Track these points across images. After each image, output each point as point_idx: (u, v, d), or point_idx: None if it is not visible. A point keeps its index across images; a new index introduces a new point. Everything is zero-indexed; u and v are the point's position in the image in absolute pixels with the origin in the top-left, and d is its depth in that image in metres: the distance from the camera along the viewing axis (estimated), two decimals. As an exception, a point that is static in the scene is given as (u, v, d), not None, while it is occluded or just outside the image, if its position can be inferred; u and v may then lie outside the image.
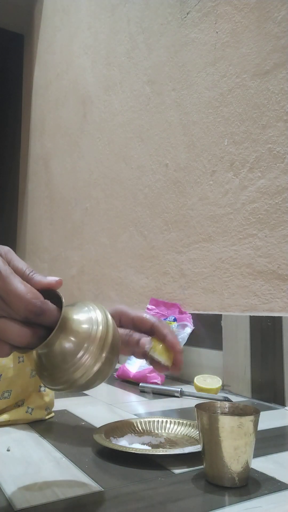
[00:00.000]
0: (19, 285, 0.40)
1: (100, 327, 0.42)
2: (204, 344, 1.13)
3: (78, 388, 0.42)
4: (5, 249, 0.44)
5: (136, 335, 0.62)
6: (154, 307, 1.26)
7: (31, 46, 2.64)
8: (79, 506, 0.43)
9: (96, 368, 0.41)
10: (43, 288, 0.41)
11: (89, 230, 1.80)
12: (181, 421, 0.68)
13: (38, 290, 0.41)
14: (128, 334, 0.62)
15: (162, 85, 1.38)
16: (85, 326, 0.42)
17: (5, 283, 0.39)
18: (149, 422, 0.68)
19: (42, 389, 0.74)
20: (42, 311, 0.40)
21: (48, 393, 0.75)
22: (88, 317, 0.43)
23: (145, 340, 0.61)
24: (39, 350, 0.42)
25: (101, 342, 0.41)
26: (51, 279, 0.42)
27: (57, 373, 0.41)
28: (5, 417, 0.69)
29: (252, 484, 0.48)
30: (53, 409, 0.77)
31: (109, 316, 0.44)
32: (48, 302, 0.40)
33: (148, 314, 0.63)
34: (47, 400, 0.74)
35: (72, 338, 0.41)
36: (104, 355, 0.41)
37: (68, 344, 0.41)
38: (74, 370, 0.41)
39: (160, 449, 0.58)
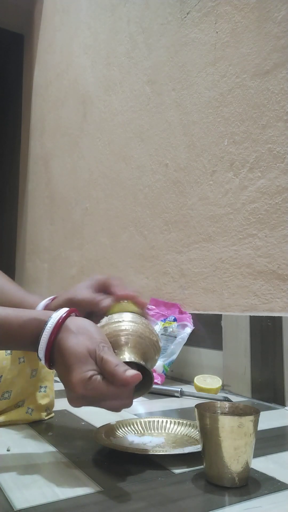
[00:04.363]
0: (108, 388, 0.49)
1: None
2: (204, 344, 1.13)
3: None
4: (97, 341, 0.53)
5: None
6: (154, 307, 1.26)
7: (31, 46, 2.64)
8: (79, 506, 0.43)
9: None
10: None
11: (89, 230, 1.80)
12: (181, 421, 0.68)
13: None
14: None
15: (162, 85, 1.38)
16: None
17: (95, 392, 0.49)
18: (149, 422, 0.68)
19: (43, 390, 0.74)
20: (131, 393, 0.52)
21: (48, 394, 0.74)
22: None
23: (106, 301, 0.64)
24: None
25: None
26: (131, 377, 0.51)
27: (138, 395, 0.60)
28: (5, 417, 0.69)
29: (252, 484, 0.48)
30: (53, 409, 0.77)
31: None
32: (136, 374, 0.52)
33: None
34: (47, 401, 0.74)
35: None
36: None
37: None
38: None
39: (160, 449, 0.58)
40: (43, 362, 0.53)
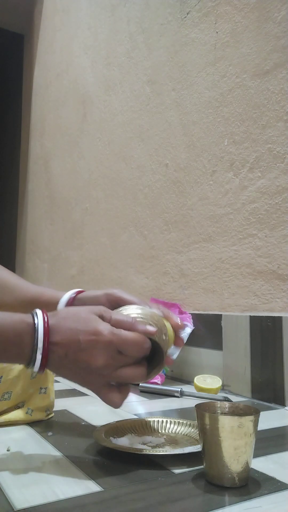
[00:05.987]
0: (130, 334, 0.51)
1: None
2: (204, 344, 1.13)
3: None
4: (100, 309, 0.53)
5: None
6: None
7: (31, 46, 2.64)
8: (79, 506, 0.43)
9: None
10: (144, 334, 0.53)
11: (89, 230, 1.80)
12: (181, 421, 0.68)
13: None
14: None
15: (162, 85, 1.38)
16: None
17: (119, 337, 0.50)
18: (149, 422, 0.68)
19: (43, 391, 0.74)
20: (149, 348, 0.53)
21: (48, 395, 0.74)
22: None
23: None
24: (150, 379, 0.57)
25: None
26: (151, 329, 0.53)
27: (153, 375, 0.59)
28: (5, 417, 0.69)
29: (252, 484, 0.48)
30: (53, 409, 0.77)
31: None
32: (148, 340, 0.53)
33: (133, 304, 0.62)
34: (48, 403, 0.74)
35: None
36: None
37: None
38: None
39: (160, 449, 0.58)
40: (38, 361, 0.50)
